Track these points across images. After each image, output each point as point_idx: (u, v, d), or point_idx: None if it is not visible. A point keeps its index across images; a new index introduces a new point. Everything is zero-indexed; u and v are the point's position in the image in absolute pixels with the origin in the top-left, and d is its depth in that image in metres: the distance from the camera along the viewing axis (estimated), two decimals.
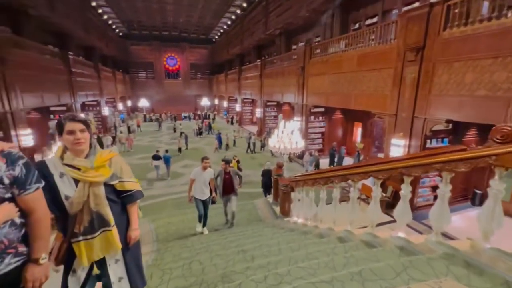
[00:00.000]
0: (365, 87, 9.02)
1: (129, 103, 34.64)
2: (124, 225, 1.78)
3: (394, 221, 6.93)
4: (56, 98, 13.49)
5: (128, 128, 23.15)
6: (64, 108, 15.33)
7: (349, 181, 2.87)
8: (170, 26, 33.43)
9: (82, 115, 1.71)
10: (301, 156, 12.71)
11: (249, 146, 16.29)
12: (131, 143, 17.51)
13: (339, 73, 10.40)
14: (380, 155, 10.06)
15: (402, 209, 2.29)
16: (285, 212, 4.94)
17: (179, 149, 16.01)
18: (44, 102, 12.21)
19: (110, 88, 25.15)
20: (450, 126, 7.20)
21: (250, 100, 26.32)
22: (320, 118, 14.09)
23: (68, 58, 15.15)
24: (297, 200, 4.12)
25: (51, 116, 15.57)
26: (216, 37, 37.49)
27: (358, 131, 13.99)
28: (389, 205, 7.91)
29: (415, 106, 7.18)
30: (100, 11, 25.19)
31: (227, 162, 5.03)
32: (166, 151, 12.27)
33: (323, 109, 13.82)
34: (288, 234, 2.86)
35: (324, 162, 12.79)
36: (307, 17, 15.35)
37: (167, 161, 11.69)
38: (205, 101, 33.99)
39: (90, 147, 1.69)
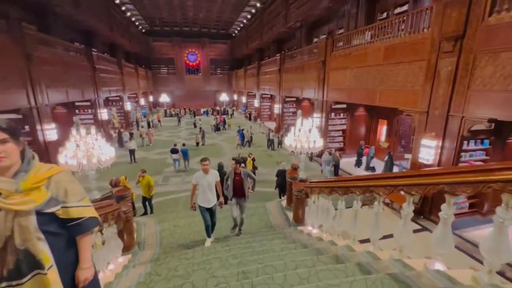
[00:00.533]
0: (392, 82, 8.26)
1: (151, 98, 35.57)
2: (72, 263, 1.38)
3: (421, 229, 6.19)
4: (80, 93, 13.95)
5: (149, 123, 23.62)
6: (88, 103, 15.88)
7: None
8: (190, 21, 33.62)
9: (5, 119, 1.27)
10: (321, 154, 12.12)
11: (269, 143, 15.98)
12: (151, 138, 18.00)
13: (363, 67, 9.65)
14: (407, 156, 9.26)
15: (442, 235, 1.82)
16: (299, 220, 4.53)
17: (197, 144, 16.27)
18: (68, 98, 12.66)
19: (132, 83, 25.86)
20: (493, 126, 6.32)
21: (269, 95, 25.83)
22: (342, 115, 13.35)
23: (92, 54, 15.60)
24: (312, 208, 3.70)
25: (76, 111, 16.21)
26: (236, 31, 37.16)
27: (382, 129, 13.09)
28: (416, 212, 7.22)
29: (450, 103, 6.40)
30: (123, 8, 25.82)
31: (237, 162, 4.42)
32: (183, 144, 12.59)
33: (344, 106, 13.07)
34: (299, 252, 2.48)
35: (347, 162, 12.10)
36: (329, 7, 14.52)
37: (185, 154, 11.97)
38: (224, 97, 33.97)
39: (23, 161, 1.28)
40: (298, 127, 7.16)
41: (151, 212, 6.95)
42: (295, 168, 5.20)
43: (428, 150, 6.92)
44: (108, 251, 2.83)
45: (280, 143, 15.73)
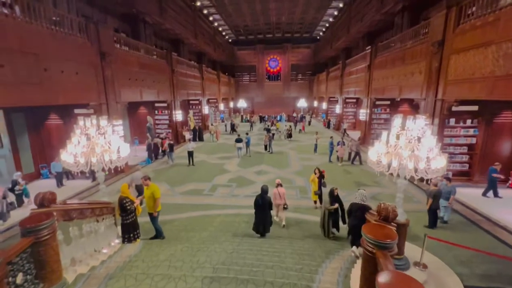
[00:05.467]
0: None
1: (231, 104, 36.79)
2: None
3: None
4: (155, 94, 14.42)
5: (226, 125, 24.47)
6: (165, 104, 16.55)
7: None
8: (273, 27, 33.12)
9: None
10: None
11: (350, 156, 12.60)
12: (219, 135, 19.37)
13: None
14: None
15: None
16: None
17: (265, 147, 15.23)
18: (142, 97, 13.07)
19: (213, 89, 26.79)
20: None
21: (354, 100, 21.81)
22: (469, 121, 8.79)
23: (172, 58, 16.21)
24: None
25: (156, 111, 17.23)
26: (321, 33, 34.43)
27: None
28: None
29: None
30: (211, 18, 27.38)
31: None
32: (247, 133, 14.81)
33: (475, 108, 8.55)
34: None
35: (475, 196, 7.60)
36: None
37: (248, 141, 14.47)
38: (301, 103, 31.64)
39: None
40: (395, 132, 4.12)
41: (160, 235, 5.24)
42: (385, 218, 2.31)
43: None
44: None
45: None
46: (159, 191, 4.98)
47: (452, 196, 6.18)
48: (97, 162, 4.41)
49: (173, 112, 16.90)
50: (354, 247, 3.87)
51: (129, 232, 4.50)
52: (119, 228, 4.74)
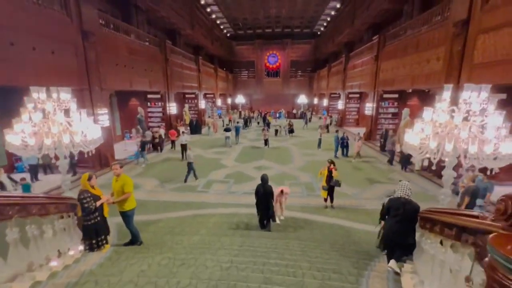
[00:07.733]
0: None
1: (229, 100, 35.73)
2: None
3: None
4: (147, 84, 13.33)
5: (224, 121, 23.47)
6: (158, 96, 15.46)
7: None
8: (273, 21, 32.07)
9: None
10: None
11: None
12: (217, 128, 18.89)
13: None
14: None
15: None
16: None
17: (265, 142, 14.15)
18: (132, 86, 11.97)
19: (210, 83, 25.72)
20: None
21: (357, 95, 20.90)
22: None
23: (166, 46, 15.12)
24: None
25: (148, 103, 16.12)
26: (322, 28, 33.48)
27: None
28: None
29: None
30: (208, 9, 26.24)
31: None
32: (237, 122, 15.75)
33: (503, 96, 7.61)
34: None
35: None
36: None
37: (237, 130, 15.10)
38: (301, 99, 30.67)
39: None
40: (444, 107, 3.16)
41: (136, 241, 4.05)
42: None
43: None
44: None
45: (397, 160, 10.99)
46: (132, 184, 3.86)
47: (488, 193, 5.25)
48: (53, 145, 3.37)
49: (167, 105, 15.84)
50: (392, 262, 2.87)
51: (91, 237, 3.43)
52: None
